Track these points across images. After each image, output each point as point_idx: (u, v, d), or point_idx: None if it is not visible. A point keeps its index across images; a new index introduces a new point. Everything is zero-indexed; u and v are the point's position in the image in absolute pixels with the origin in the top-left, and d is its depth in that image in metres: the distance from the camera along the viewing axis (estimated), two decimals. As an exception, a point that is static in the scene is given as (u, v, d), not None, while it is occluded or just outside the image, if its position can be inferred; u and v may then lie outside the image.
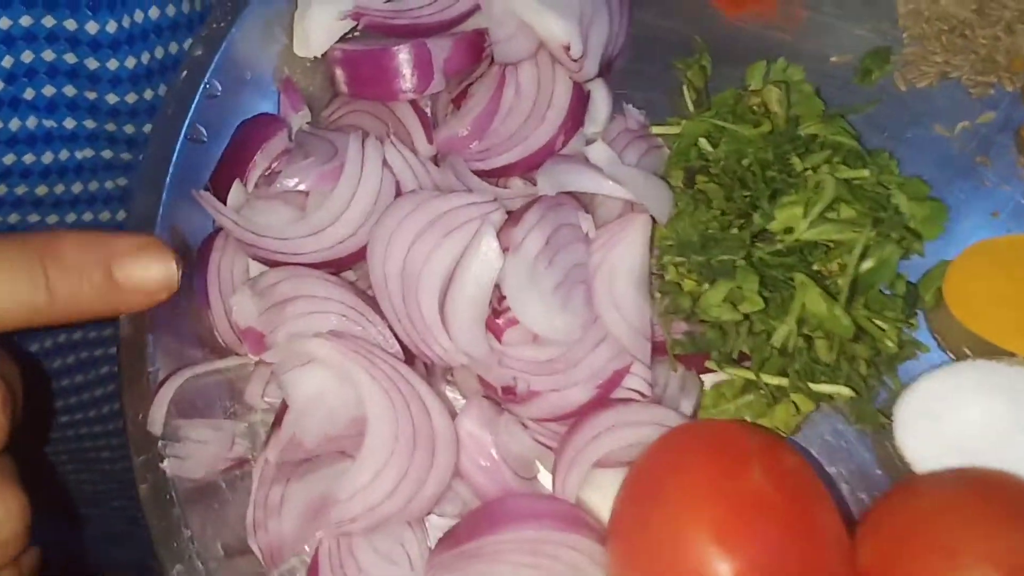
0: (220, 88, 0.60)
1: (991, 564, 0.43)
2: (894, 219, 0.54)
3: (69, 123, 0.63)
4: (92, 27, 0.58)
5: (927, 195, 0.57)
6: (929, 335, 0.58)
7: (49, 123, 0.62)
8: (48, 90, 0.60)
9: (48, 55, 0.59)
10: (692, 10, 0.65)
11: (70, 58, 0.59)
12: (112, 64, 0.61)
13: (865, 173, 0.54)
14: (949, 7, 0.62)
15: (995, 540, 0.44)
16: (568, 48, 0.57)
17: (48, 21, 0.57)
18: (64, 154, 0.65)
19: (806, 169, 0.56)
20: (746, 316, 0.53)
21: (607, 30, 0.59)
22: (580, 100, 0.59)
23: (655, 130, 0.61)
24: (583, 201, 0.57)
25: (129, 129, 0.66)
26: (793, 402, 0.54)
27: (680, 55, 0.63)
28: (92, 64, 0.60)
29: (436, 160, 0.59)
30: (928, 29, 0.62)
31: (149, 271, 0.46)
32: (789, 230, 0.53)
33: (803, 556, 0.45)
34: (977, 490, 0.47)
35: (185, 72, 0.59)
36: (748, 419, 0.55)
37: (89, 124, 0.64)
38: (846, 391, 0.53)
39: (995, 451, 0.52)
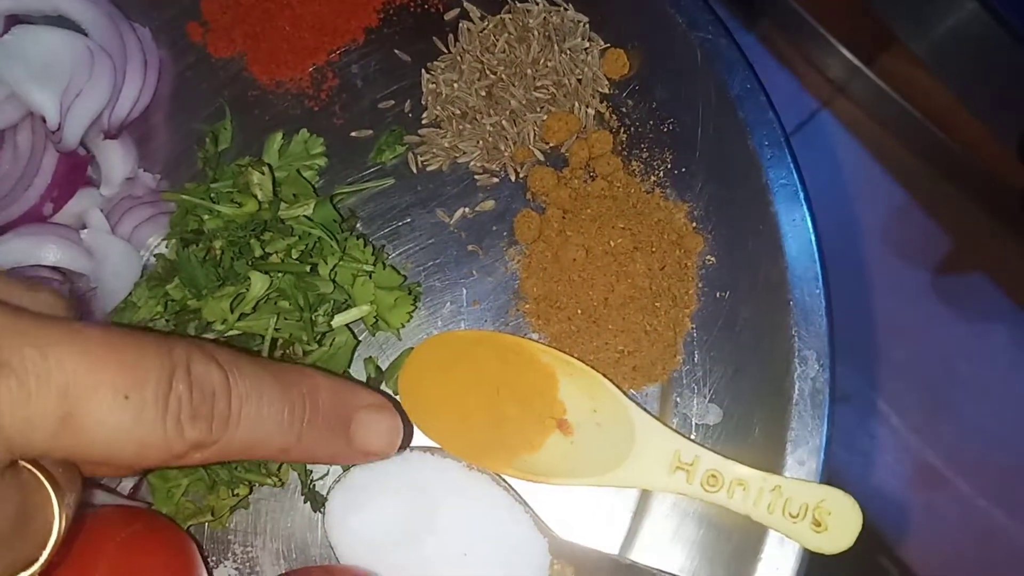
0: None
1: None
2: (307, 316, 0.55)
3: None
4: None
5: (397, 285, 0.58)
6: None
7: None
8: None
9: None
10: (229, 74, 0.64)
11: None
12: None
13: (305, 269, 0.55)
14: (461, 91, 0.61)
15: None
16: (45, 119, 0.57)
17: None
18: None
19: (267, 254, 0.57)
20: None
21: (103, 99, 0.59)
22: (73, 168, 0.60)
23: (164, 196, 0.62)
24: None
25: None
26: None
27: (211, 119, 0.64)
28: None
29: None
30: (442, 112, 0.62)
31: (380, 434, 0.48)
32: (225, 320, 0.55)
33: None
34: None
35: None
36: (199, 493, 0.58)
37: None
38: (262, 477, 0.56)
39: (404, 550, 0.53)
